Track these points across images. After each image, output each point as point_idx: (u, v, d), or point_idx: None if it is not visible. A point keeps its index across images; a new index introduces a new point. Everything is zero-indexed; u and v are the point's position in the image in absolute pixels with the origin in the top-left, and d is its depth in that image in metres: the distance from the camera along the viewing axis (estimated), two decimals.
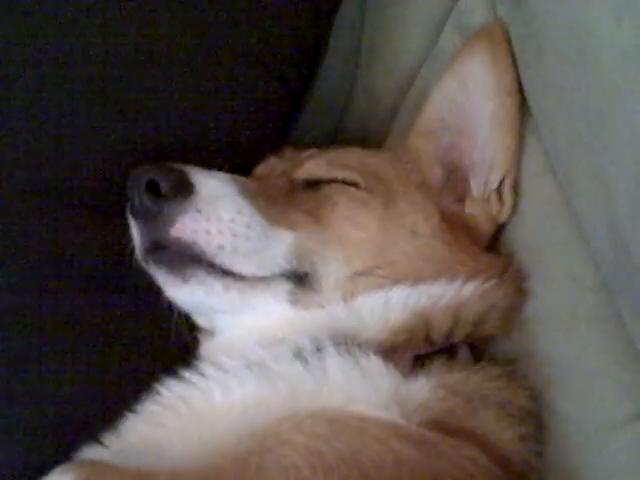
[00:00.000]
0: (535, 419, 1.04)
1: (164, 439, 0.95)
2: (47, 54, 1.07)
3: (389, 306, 1.03)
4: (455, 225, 1.13)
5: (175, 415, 0.97)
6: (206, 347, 1.14)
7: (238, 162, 1.18)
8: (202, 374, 1.00)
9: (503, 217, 1.15)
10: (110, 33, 1.09)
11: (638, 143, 0.83)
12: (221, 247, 1.00)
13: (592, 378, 1.03)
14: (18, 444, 1.02)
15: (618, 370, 1.01)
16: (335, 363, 0.95)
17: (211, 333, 1.13)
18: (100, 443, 0.99)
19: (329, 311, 1.04)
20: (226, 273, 1.01)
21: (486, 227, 1.16)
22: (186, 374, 1.01)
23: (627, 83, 0.84)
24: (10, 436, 1.02)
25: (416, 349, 1.02)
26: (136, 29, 1.11)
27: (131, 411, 1.01)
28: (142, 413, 1.01)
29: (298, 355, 0.97)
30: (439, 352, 1.03)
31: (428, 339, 1.04)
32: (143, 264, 1.06)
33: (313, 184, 1.14)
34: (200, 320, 1.14)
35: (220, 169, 1.08)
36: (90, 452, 0.99)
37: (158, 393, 1.01)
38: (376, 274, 1.06)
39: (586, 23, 0.89)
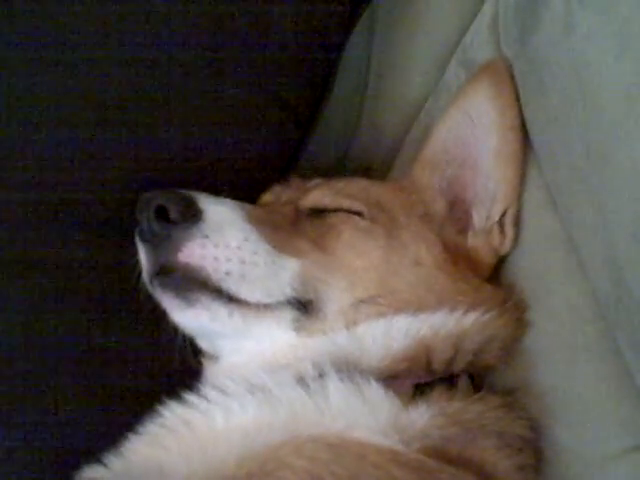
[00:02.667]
0: (533, 449, 1.04)
1: (165, 461, 0.95)
2: (62, 81, 1.09)
3: (391, 334, 1.04)
4: (457, 256, 1.14)
5: (177, 437, 0.97)
6: (210, 371, 1.15)
7: (245, 189, 1.20)
8: (204, 397, 1.00)
9: (504, 249, 1.16)
10: (124, 62, 1.11)
11: (637, 177, 0.85)
12: (229, 273, 1.01)
13: (590, 409, 1.03)
14: (20, 463, 1.03)
15: (617, 402, 1.01)
16: (337, 389, 0.95)
17: (215, 357, 1.14)
18: (101, 463, 0.99)
19: (332, 338, 1.04)
20: (231, 299, 1.02)
21: (487, 259, 1.16)
22: (188, 397, 1.01)
23: (627, 120, 0.85)
24: (12, 455, 1.03)
25: (416, 377, 1.03)
26: (150, 59, 1.13)
27: (133, 432, 1.02)
28: (144, 434, 1.01)
29: (300, 381, 0.97)
30: (439, 381, 1.04)
31: (429, 368, 1.05)
32: (149, 287, 1.07)
33: (318, 213, 1.15)
34: (204, 344, 1.15)
35: (227, 196, 1.10)
36: (91, 472, 0.99)
37: (160, 415, 1.01)
38: (378, 302, 1.07)
39: (587, 61, 0.91)
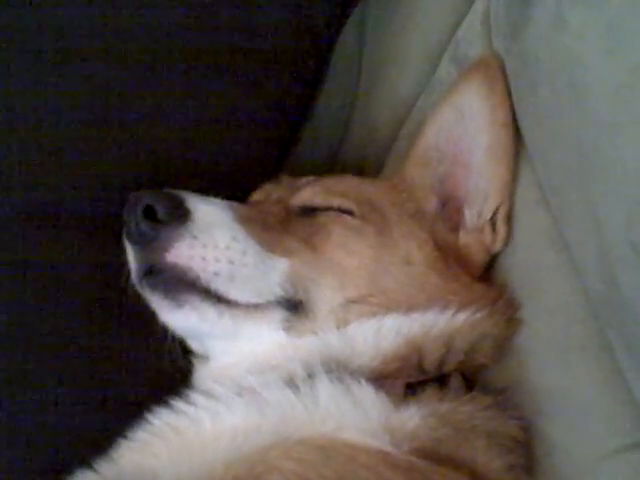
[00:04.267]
0: (525, 449, 1.04)
1: (155, 467, 0.94)
2: (47, 79, 1.08)
3: (381, 334, 1.03)
4: (448, 254, 1.13)
5: (166, 443, 0.96)
6: (199, 372, 1.14)
7: (235, 188, 1.19)
8: (192, 403, 0.99)
9: (496, 247, 1.15)
10: (110, 60, 1.10)
11: (628, 177, 0.84)
12: (217, 274, 1.00)
13: (583, 409, 1.03)
14: (10, 467, 1.02)
15: (609, 401, 1.01)
16: (326, 390, 0.95)
17: (205, 358, 1.13)
18: (92, 469, 0.99)
19: (322, 338, 1.04)
20: (220, 299, 1.01)
21: (479, 257, 1.16)
22: (176, 403, 1.01)
23: (618, 118, 0.85)
24: (2, 458, 1.02)
25: (408, 377, 1.02)
26: (136, 57, 1.12)
27: (124, 438, 1.01)
28: (134, 441, 1.00)
29: (290, 382, 0.97)
30: (431, 381, 1.03)
31: (420, 367, 1.04)
32: (138, 288, 1.06)
33: (309, 211, 1.15)
34: (194, 345, 1.14)
35: (217, 195, 1.09)
36: (82, 478, 0.99)
37: (149, 422, 1.01)
38: (369, 302, 1.06)
39: (579, 58, 0.90)
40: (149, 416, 1.01)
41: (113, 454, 0.99)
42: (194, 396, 1.00)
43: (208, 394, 1.00)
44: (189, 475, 0.89)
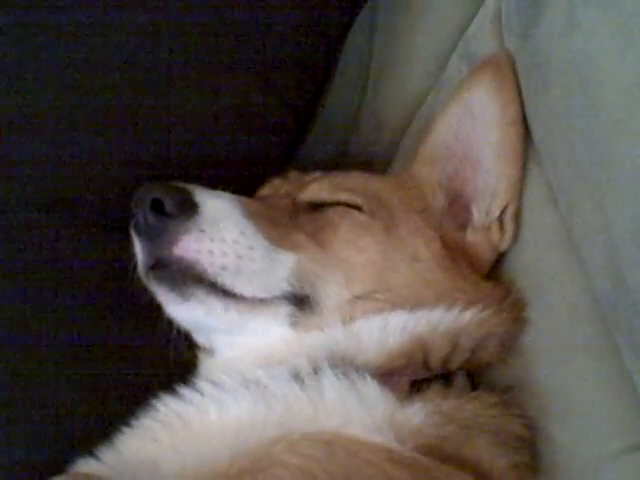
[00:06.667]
0: (530, 448, 1.04)
1: (159, 455, 0.95)
2: (54, 73, 1.08)
3: (387, 330, 1.03)
4: (456, 252, 1.13)
5: (170, 431, 0.97)
6: (205, 365, 1.14)
7: (243, 183, 1.19)
8: (199, 391, 1.00)
9: (504, 246, 1.15)
10: (117, 55, 1.10)
11: (638, 177, 0.84)
12: (224, 268, 1.00)
13: (588, 409, 1.03)
14: (14, 455, 1.03)
15: (614, 401, 1.00)
16: (332, 385, 0.95)
17: (210, 351, 1.13)
18: (95, 457, 0.99)
19: (328, 334, 1.04)
20: (226, 293, 1.01)
21: (486, 255, 1.16)
22: (183, 391, 1.01)
23: (628, 118, 0.85)
24: (6, 446, 1.03)
25: (413, 374, 1.02)
26: (143, 52, 1.12)
27: (127, 426, 1.02)
28: (138, 428, 1.01)
29: (295, 376, 0.97)
30: (436, 378, 1.03)
31: (425, 365, 1.04)
32: (145, 281, 1.07)
33: (316, 206, 1.15)
34: (199, 338, 1.14)
35: (225, 189, 1.09)
36: (84, 465, 0.99)
37: (154, 409, 1.01)
38: (376, 298, 1.06)
39: (590, 58, 0.90)
40: (155, 403, 1.02)
41: (116, 442, 1.00)
42: (201, 384, 1.01)
43: (215, 384, 1.00)
44: (193, 465, 0.89)
